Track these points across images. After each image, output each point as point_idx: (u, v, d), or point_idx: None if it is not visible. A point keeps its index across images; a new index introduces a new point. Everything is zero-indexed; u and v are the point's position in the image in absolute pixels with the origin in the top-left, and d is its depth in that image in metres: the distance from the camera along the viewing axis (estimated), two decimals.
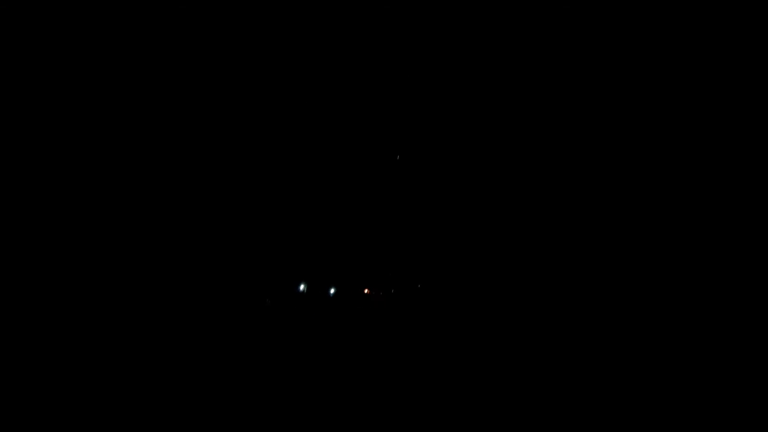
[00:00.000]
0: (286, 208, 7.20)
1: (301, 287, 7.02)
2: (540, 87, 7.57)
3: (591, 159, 7.42)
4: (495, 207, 7.80)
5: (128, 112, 6.65)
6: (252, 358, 5.98)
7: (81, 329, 6.11)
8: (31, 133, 6.24)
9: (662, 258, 6.97)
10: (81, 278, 6.29)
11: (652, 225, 7.08)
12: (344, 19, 7.26)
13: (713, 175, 6.84)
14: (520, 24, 7.39)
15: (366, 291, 7.59)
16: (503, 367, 6.09)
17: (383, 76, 7.59)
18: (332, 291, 7.30)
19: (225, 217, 6.85)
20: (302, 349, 6.30)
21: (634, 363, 6.13)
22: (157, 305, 6.41)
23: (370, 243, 7.66)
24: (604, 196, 7.33)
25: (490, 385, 5.64)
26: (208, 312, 6.59)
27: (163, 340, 6.16)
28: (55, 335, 5.98)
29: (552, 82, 7.51)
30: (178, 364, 5.75)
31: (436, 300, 7.83)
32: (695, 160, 6.93)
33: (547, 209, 7.62)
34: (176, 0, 6.59)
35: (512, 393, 5.49)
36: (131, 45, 6.58)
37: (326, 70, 7.41)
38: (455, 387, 5.56)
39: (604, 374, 5.92)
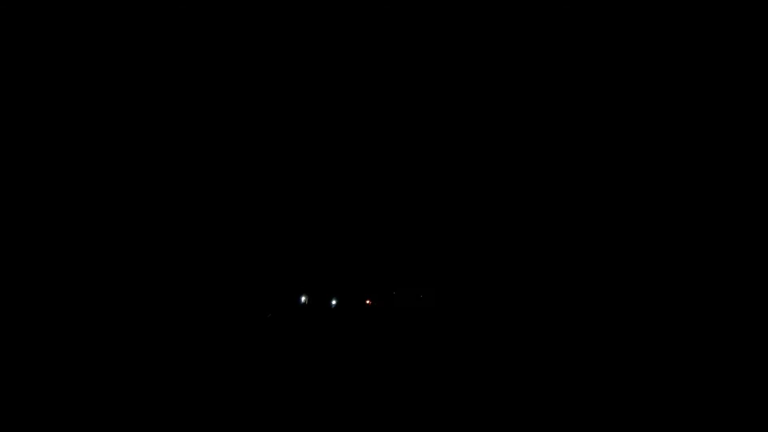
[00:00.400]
0: (286, 220, 7.16)
1: (303, 299, 6.97)
2: (539, 88, 7.53)
3: (591, 160, 7.39)
4: (496, 215, 7.75)
5: (128, 115, 6.59)
6: (254, 372, 5.95)
7: (81, 338, 6.06)
8: (31, 133, 6.23)
9: (662, 258, 6.93)
10: (80, 291, 6.27)
11: (653, 225, 7.04)
12: (344, 19, 7.19)
13: (713, 175, 6.80)
14: (519, 24, 7.35)
15: (368, 302, 7.53)
16: (506, 377, 6.09)
17: (383, 81, 7.54)
18: (333, 302, 7.24)
19: (225, 229, 6.81)
20: (304, 362, 6.29)
21: (635, 364, 6.14)
22: (159, 316, 6.37)
23: (370, 254, 7.62)
24: (604, 198, 7.29)
25: (494, 394, 5.64)
26: (209, 325, 6.52)
27: (165, 351, 6.12)
28: (55, 337, 5.94)
29: (552, 83, 7.47)
30: (179, 375, 5.72)
31: (438, 310, 7.77)
32: (695, 160, 6.89)
33: (549, 217, 7.58)
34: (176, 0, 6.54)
35: (515, 402, 5.50)
36: (131, 45, 6.54)
37: (326, 79, 7.38)
38: (459, 397, 5.56)
39: (605, 378, 5.92)
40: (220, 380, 5.67)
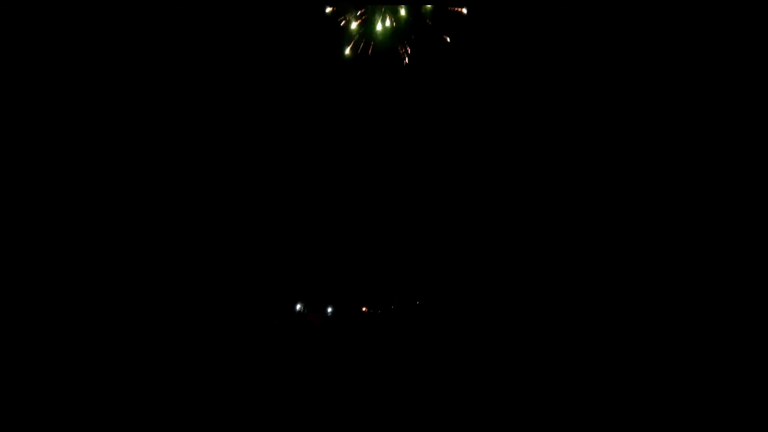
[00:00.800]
0: (281, 228, 7.07)
1: (298, 307, 6.86)
2: (540, 87, 7.42)
3: (590, 160, 7.28)
4: (494, 222, 7.66)
5: (127, 116, 6.53)
6: (249, 380, 5.88)
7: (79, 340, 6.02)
8: (31, 133, 6.21)
9: (662, 258, 6.84)
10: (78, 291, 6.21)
11: (653, 225, 6.94)
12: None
13: (713, 175, 6.70)
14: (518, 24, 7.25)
15: (364, 309, 7.43)
16: (506, 384, 6.03)
17: (381, 82, 7.41)
18: (330, 310, 7.15)
19: (220, 236, 6.71)
20: (300, 371, 6.19)
21: (635, 364, 6.10)
22: (153, 322, 6.30)
23: (366, 261, 7.53)
24: (603, 197, 7.18)
25: (493, 404, 5.58)
26: (204, 331, 6.45)
27: (158, 357, 6.04)
28: (55, 336, 5.93)
29: (551, 82, 7.37)
30: (171, 382, 5.66)
31: (435, 317, 7.67)
32: (695, 160, 6.80)
33: (546, 223, 7.48)
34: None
35: (514, 410, 5.46)
36: (131, 45, 6.52)
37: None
38: (458, 407, 5.49)
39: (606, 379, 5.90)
40: (213, 388, 5.59)
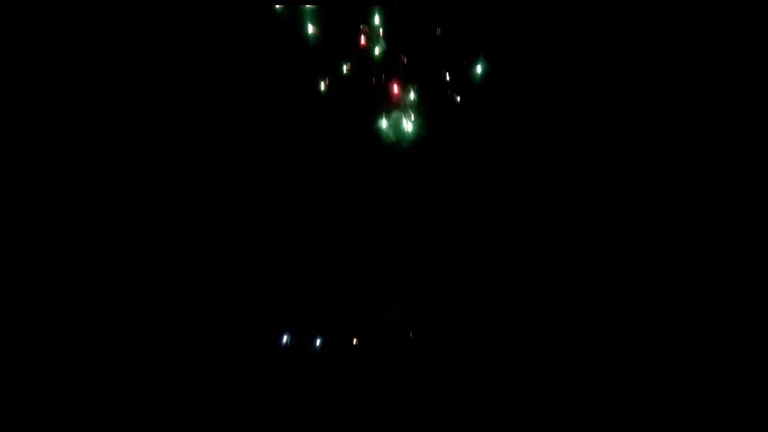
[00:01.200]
0: (267, 248, 7.09)
1: (285, 338, 6.85)
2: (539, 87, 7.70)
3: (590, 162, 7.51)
4: (490, 241, 7.80)
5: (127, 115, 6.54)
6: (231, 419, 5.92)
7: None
8: (31, 133, 6.31)
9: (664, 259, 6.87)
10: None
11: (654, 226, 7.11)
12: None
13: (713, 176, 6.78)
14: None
15: (355, 341, 7.49)
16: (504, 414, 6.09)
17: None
18: (318, 342, 7.12)
19: (204, 255, 6.70)
20: (287, 407, 6.25)
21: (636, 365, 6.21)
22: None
23: (356, 287, 7.58)
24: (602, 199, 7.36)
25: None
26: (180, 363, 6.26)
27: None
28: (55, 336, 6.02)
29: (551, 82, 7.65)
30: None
31: (430, 347, 7.64)
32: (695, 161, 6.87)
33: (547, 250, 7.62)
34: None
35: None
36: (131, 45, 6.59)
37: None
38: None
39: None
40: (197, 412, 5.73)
